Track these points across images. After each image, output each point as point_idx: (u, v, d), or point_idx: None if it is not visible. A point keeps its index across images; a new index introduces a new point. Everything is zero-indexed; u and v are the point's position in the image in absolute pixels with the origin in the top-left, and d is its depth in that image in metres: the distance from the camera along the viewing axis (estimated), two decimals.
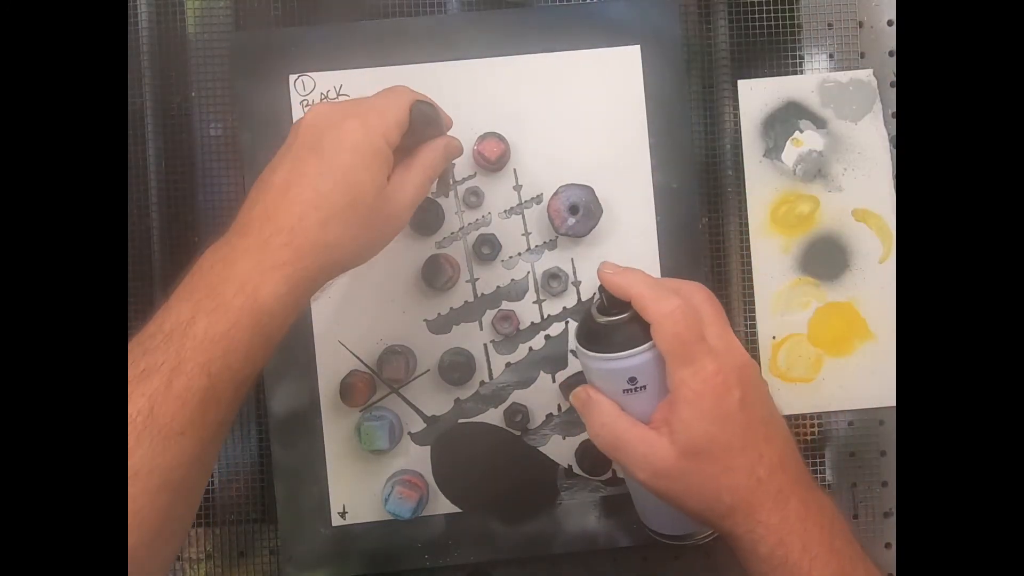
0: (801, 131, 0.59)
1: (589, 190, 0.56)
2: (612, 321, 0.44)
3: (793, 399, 0.60)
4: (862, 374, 0.59)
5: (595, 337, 0.44)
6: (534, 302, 0.58)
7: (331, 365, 0.57)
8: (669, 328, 0.42)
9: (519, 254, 0.58)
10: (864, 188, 0.60)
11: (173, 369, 0.38)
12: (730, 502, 0.41)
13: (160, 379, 0.38)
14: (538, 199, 0.58)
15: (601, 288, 0.44)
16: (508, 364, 0.58)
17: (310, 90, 0.58)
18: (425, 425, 0.58)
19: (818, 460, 0.60)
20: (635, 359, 0.43)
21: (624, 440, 0.43)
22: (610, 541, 0.58)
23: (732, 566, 0.59)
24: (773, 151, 0.59)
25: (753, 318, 0.60)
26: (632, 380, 0.43)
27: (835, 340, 0.60)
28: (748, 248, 0.60)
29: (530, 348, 0.58)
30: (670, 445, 0.42)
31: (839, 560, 0.41)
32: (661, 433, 0.42)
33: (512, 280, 0.58)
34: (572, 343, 0.44)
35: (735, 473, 0.41)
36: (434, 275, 0.57)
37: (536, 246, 0.58)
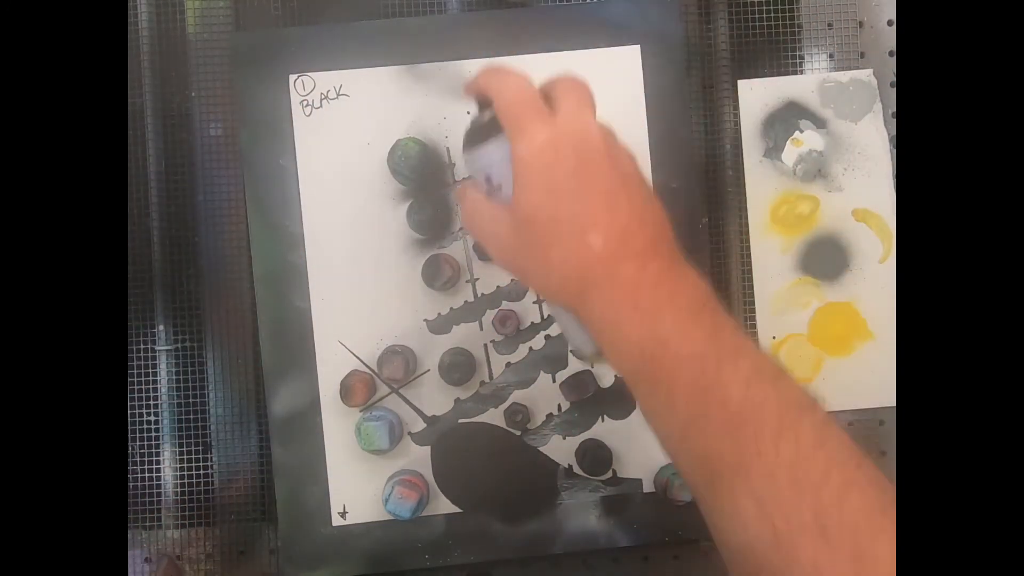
0: (801, 131, 0.59)
1: None
2: (475, 119, 0.45)
3: None
4: (862, 374, 0.59)
5: (468, 136, 0.45)
6: (534, 302, 0.58)
7: (331, 365, 0.57)
8: (504, 100, 0.41)
9: None
10: (864, 188, 0.60)
11: None
12: (564, 271, 0.40)
13: None
14: None
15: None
16: (508, 364, 0.58)
17: (310, 90, 0.58)
18: (425, 425, 0.58)
19: None
20: (494, 148, 0.43)
21: (480, 219, 0.44)
22: (610, 541, 0.58)
23: None
24: (773, 151, 0.59)
25: (753, 318, 0.60)
26: (488, 179, 0.44)
27: (835, 340, 0.60)
28: (748, 248, 0.60)
29: (530, 348, 0.58)
30: (510, 219, 0.42)
31: (675, 312, 0.38)
32: (513, 210, 0.42)
33: (512, 280, 0.58)
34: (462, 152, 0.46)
35: (565, 241, 0.40)
36: (434, 275, 0.57)
37: None
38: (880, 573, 0.35)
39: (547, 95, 0.43)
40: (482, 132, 0.44)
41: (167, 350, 0.59)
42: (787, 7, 0.61)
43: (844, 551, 0.35)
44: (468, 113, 0.45)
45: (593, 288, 0.40)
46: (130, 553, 0.58)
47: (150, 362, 0.59)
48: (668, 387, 0.39)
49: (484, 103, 0.45)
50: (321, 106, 0.58)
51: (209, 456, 0.59)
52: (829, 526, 0.35)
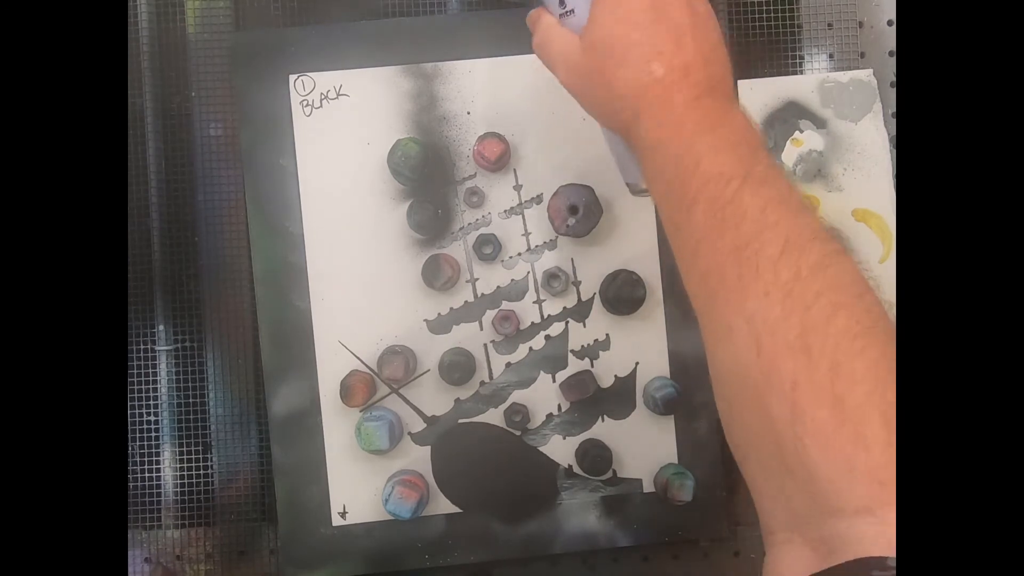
0: (801, 131, 0.59)
1: (589, 190, 0.56)
2: None
3: None
4: None
5: None
6: (534, 302, 0.58)
7: (331, 365, 0.57)
8: None
9: (519, 254, 0.58)
10: (864, 188, 0.60)
11: None
12: (622, 97, 0.42)
13: None
14: (538, 199, 0.58)
15: None
16: (508, 364, 0.58)
17: (310, 90, 0.58)
18: (425, 425, 0.58)
19: None
20: None
21: (551, 42, 0.45)
22: (610, 541, 0.58)
23: (732, 567, 0.60)
24: (773, 151, 0.59)
25: None
26: (562, 3, 0.45)
27: None
28: None
29: (530, 348, 0.58)
30: (580, 41, 0.43)
31: (730, 159, 0.39)
32: (578, 35, 0.44)
33: (512, 280, 0.58)
34: None
35: (628, 68, 0.41)
36: (434, 275, 0.57)
37: (536, 246, 0.58)
38: (856, 388, 0.35)
39: None
40: None
41: (167, 350, 0.59)
42: (787, 7, 0.61)
43: (822, 367, 0.35)
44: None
45: (646, 112, 0.41)
46: (130, 553, 0.58)
47: (150, 362, 0.59)
48: (691, 201, 0.39)
49: None
50: (321, 106, 0.58)
51: (209, 456, 0.59)
52: (812, 344, 0.36)
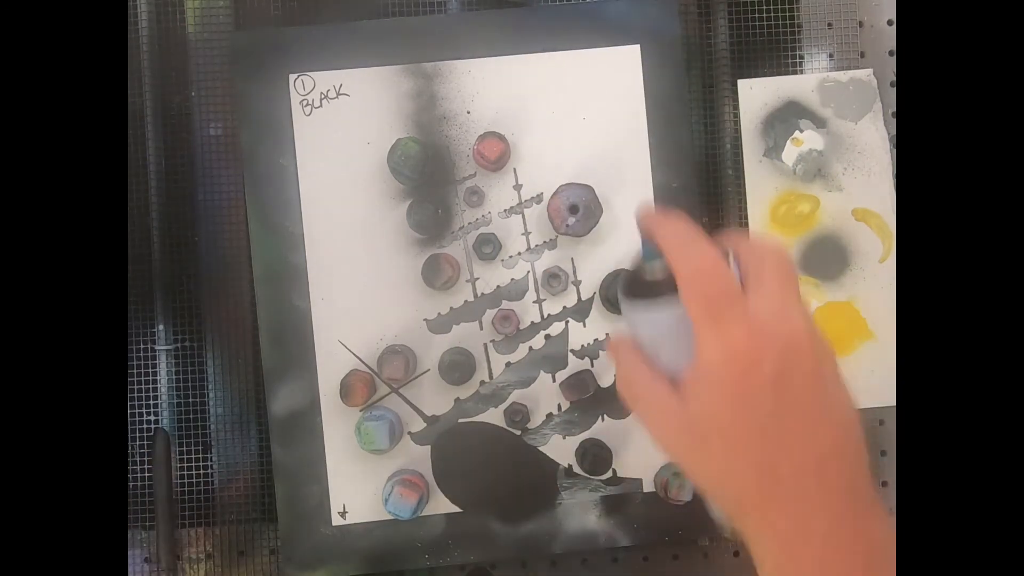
0: (801, 131, 0.59)
1: (589, 190, 0.56)
2: (646, 268, 0.39)
3: None
4: (862, 374, 0.59)
5: (635, 285, 0.40)
6: (534, 302, 0.58)
7: (331, 365, 0.57)
8: (692, 280, 0.35)
9: (519, 254, 0.58)
10: (864, 188, 0.60)
11: None
12: (738, 489, 0.36)
13: None
14: (538, 199, 0.58)
15: (643, 237, 0.40)
16: (508, 364, 0.58)
17: (310, 90, 0.58)
18: (425, 425, 0.58)
19: None
20: (667, 312, 0.37)
21: (643, 398, 0.38)
22: (610, 541, 0.58)
23: (732, 567, 0.60)
24: (773, 151, 0.59)
25: None
26: (663, 335, 0.38)
27: (835, 340, 0.60)
28: None
29: (530, 348, 0.58)
30: (682, 412, 0.36)
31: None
32: (679, 396, 0.36)
33: (512, 280, 0.58)
34: (620, 301, 0.41)
35: (746, 460, 0.35)
36: (434, 275, 0.57)
37: (536, 246, 0.58)
38: None
39: (740, 259, 0.37)
40: (650, 288, 0.39)
41: (167, 350, 0.59)
42: (787, 7, 0.61)
43: None
44: (635, 265, 0.40)
45: (770, 528, 0.35)
46: (130, 553, 0.58)
47: (150, 362, 0.59)
48: None
49: (654, 249, 0.39)
50: (321, 106, 0.58)
51: (209, 456, 0.59)
52: None
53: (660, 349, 0.39)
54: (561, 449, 0.58)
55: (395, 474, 0.57)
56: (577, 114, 0.58)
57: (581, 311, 0.58)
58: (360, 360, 0.58)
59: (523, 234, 0.58)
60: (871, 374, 0.59)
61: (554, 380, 0.58)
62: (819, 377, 0.36)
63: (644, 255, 0.40)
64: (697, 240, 0.37)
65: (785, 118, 0.60)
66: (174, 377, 0.59)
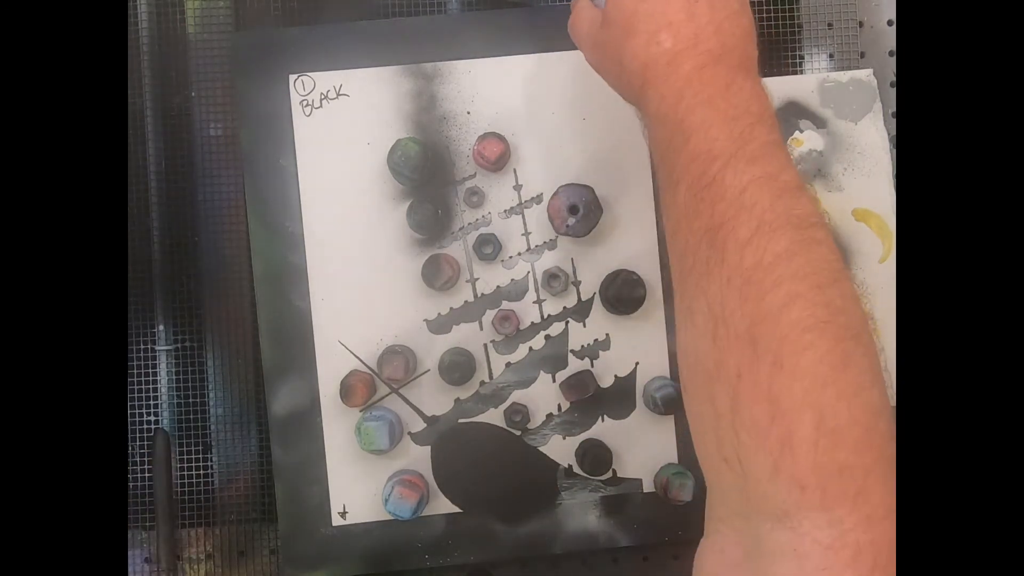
0: (801, 131, 0.59)
1: (589, 190, 0.56)
2: None
3: None
4: None
5: None
6: (534, 302, 0.58)
7: (331, 365, 0.57)
8: None
9: (519, 254, 0.58)
10: (864, 188, 0.60)
11: None
12: (631, 68, 0.41)
13: None
14: (538, 199, 0.58)
15: None
16: (508, 364, 0.58)
17: (310, 90, 0.58)
18: (425, 425, 0.58)
19: None
20: None
21: (580, 21, 0.46)
22: (610, 541, 0.58)
23: None
24: None
25: None
26: None
27: None
28: None
29: (530, 348, 0.58)
30: (601, 16, 0.44)
31: (721, 134, 0.38)
32: (602, 11, 0.44)
33: (512, 280, 0.58)
34: None
35: (638, 39, 0.41)
36: (434, 275, 0.57)
37: (536, 246, 0.58)
38: (794, 385, 0.34)
39: None
40: None
41: (167, 350, 0.59)
42: (787, 7, 0.61)
43: (766, 360, 0.34)
44: None
45: (651, 84, 0.41)
46: (130, 553, 0.58)
47: (150, 362, 0.59)
48: (676, 180, 0.39)
49: None
50: (321, 106, 0.58)
51: (209, 456, 0.59)
52: (760, 335, 0.35)
53: None
54: (561, 449, 0.58)
55: (395, 474, 0.57)
56: (577, 114, 0.58)
57: (581, 311, 0.58)
58: (360, 360, 0.58)
59: (523, 234, 0.58)
60: None
61: (554, 380, 0.58)
62: None
63: None
64: None
65: (785, 118, 0.60)
66: (174, 377, 0.59)
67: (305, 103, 0.58)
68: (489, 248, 0.58)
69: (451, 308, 0.58)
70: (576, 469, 0.58)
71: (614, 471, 0.58)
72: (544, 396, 0.58)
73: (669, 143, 0.40)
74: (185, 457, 0.59)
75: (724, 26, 0.41)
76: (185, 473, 0.59)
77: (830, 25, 0.61)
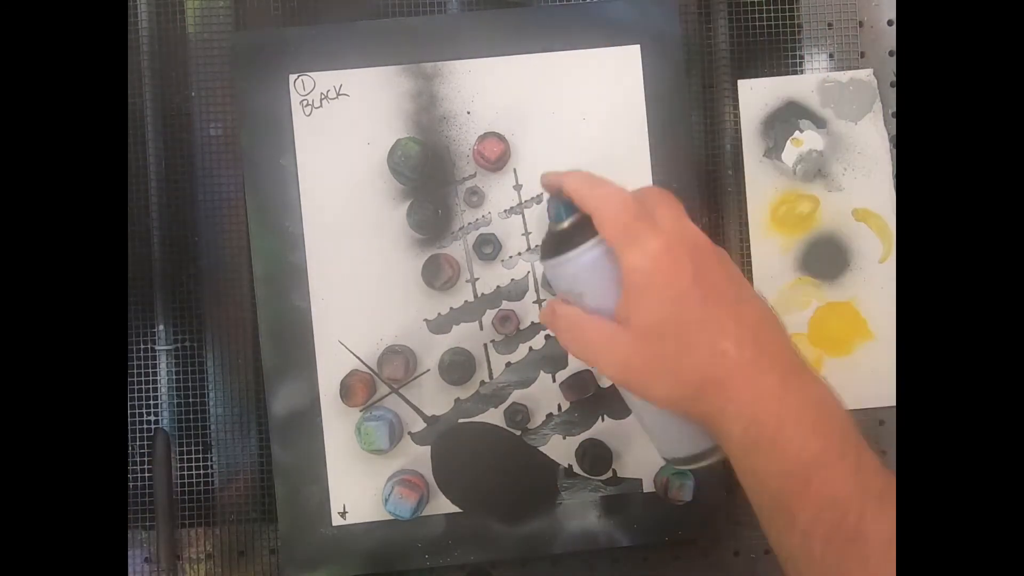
0: (801, 131, 0.59)
1: None
2: (562, 227, 0.43)
3: None
4: (862, 374, 0.59)
5: (549, 245, 0.44)
6: (534, 302, 0.58)
7: (331, 365, 0.57)
8: (608, 212, 0.40)
9: (519, 254, 0.58)
10: (864, 188, 0.60)
11: None
12: (695, 380, 0.39)
13: None
14: (538, 199, 0.58)
15: (549, 197, 0.44)
16: (508, 364, 0.58)
17: (310, 90, 0.58)
18: (425, 425, 0.58)
19: None
20: (584, 256, 0.42)
21: (588, 339, 0.42)
22: (610, 541, 0.58)
23: (732, 567, 0.60)
24: (773, 151, 0.59)
25: None
26: (586, 281, 0.42)
27: (835, 340, 0.60)
28: (748, 248, 0.60)
29: (530, 348, 0.58)
30: (628, 333, 0.40)
31: (823, 441, 0.37)
32: (621, 324, 0.40)
33: (512, 280, 0.58)
34: (542, 263, 0.45)
35: (696, 350, 0.39)
36: (434, 275, 0.57)
37: (536, 246, 0.58)
38: None
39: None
40: (563, 239, 0.43)
41: (167, 350, 0.59)
42: (787, 7, 0.61)
43: None
44: (549, 220, 0.44)
45: (731, 401, 0.39)
46: (130, 553, 0.58)
47: (150, 362, 0.59)
48: (805, 530, 0.37)
49: (562, 206, 0.43)
50: (321, 106, 0.58)
51: (209, 456, 0.59)
52: None
53: (585, 294, 0.42)
54: (561, 449, 0.58)
55: (395, 474, 0.57)
56: (577, 114, 0.58)
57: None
58: (360, 360, 0.58)
59: (523, 234, 0.58)
60: (871, 374, 0.59)
61: (554, 380, 0.58)
62: (726, 267, 0.42)
63: (553, 217, 0.44)
64: (600, 180, 0.43)
65: (785, 118, 0.60)
66: (174, 377, 0.59)
67: (305, 103, 0.58)
68: (489, 248, 0.58)
69: (451, 308, 0.58)
70: (576, 469, 0.58)
71: (614, 471, 0.58)
72: (544, 396, 0.58)
73: (780, 481, 0.38)
74: (185, 457, 0.59)
75: (769, 320, 0.41)
76: (185, 473, 0.59)
77: (830, 25, 0.61)
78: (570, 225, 0.43)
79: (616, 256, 0.40)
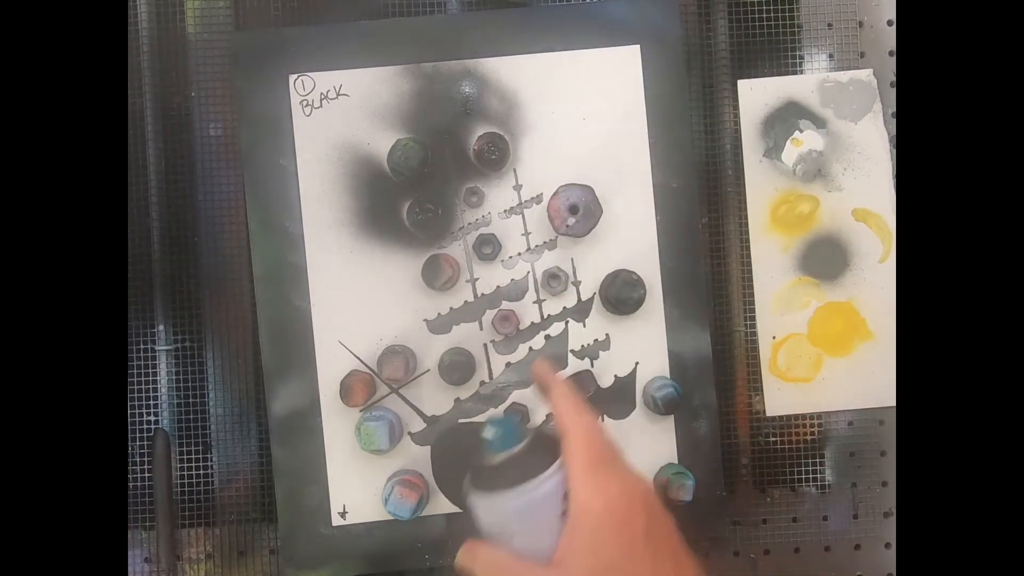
0: (801, 131, 0.59)
1: (589, 190, 0.56)
2: (511, 453, 0.40)
3: (793, 399, 0.60)
4: (862, 374, 0.59)
5: (479, 477, 0.41)
6: (534, 302, 0.58)
7: (331, 365, 0.57)
8: (584, 443, 0.39)
9: (519, 254, 0.58)
10: (864, 188, 0.60)
11: None
12: None
13: None
14: (538, 199, 0.58)
15: (491, 421, 0.41)
16: (508, 364, 0.58)
17: (310, 90, 0.58)
18: (425, 425, 0.58)
19: (818, 460, 0.60)
20: (541, 488, 0.39)
21: None
22: None
23: (733, 567, 0.60)
24: (773, 151, 0.59)
25: (753, 318, 0.60)
26: (527, 518, 0.39)
27: (835, 340, 0.60)
28: (748, 248, 0.60)
29: (530, 348, 0.58)
30: (553, 572, 0.38)
31: None
32: (554, 567, 0.38)
33: (512, 280, 0.58)
34: (465, 494, 0.41)
35: None
36: (434, 275, 0.57)
37: (536, 246, 0.58)
38: None
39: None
40: (499, 475, 0.40)
41: (167, 350, 0.59)
42: (787, 7, 0.61)
43: None
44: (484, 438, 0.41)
45: None
46: (130, 553, 0.58)
47: (150, 362, 0.59)
48: None
49: (512, 428, 0.41)
50: (321, 106, 0.58)
51: (209, 456, 0.59)
52: None
53: (517, 533, 0.40)
54: None
55: (395, 474, 0.57)
56: (577, 114, 0.58)
57: (581, 311, 0.58)
58: (360, 360, 0.58)
59: (523, 234, 0.58)
60: (871, 374, 0.59)
61: None
62: (674, 531, 0.40)
63: (500, 445, 0.40)
64: (584, 406, 0.41)
65: (785, 118, 0.60)
66: (174, 377, 0.59)
67: (305, 103, 0.58)
68: (489, 248, 0.58)
69: (451, 308, 0.58)
70: None
71: None
72: None
73: None
74: (185, 457, 0.59)
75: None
76: (185, 473, 0.59)
77: (830, 25, 0.61)
78: (521, 451, 0.40)
79: (566, 492, 0.39)
